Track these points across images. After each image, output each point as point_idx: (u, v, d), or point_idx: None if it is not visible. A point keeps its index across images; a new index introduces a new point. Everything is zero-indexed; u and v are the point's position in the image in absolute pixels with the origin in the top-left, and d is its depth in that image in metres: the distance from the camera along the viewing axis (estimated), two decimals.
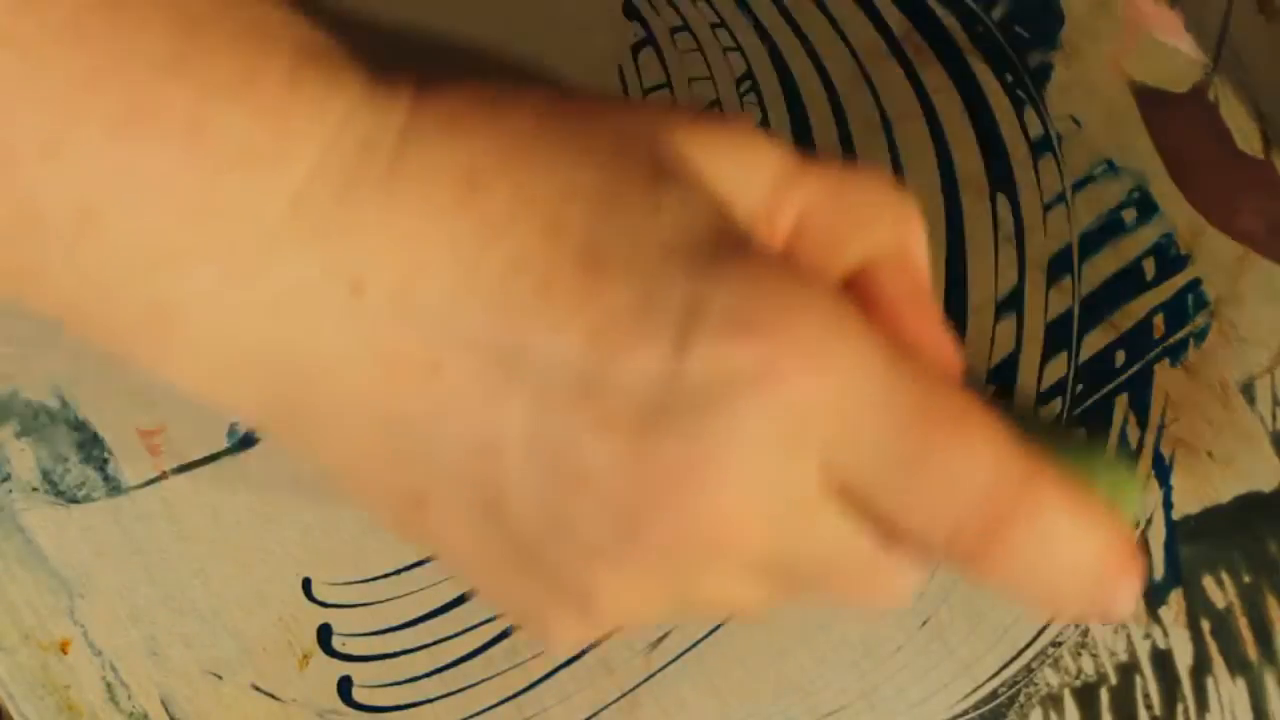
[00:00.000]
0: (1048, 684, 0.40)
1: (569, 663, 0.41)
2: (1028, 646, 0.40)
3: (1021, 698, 0.40)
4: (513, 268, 0.23)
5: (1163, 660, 0.40)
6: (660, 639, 0.41)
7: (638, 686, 0.41)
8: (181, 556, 0.41)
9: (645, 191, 0.23)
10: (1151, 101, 0.42)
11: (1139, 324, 0.41)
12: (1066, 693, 0.40)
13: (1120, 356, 0.41)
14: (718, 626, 0.41)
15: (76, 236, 0.23)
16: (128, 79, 0.22)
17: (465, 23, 0.42)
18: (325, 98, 0.23)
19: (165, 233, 0.23)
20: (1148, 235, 0.42)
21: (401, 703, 0.41)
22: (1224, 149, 0.41)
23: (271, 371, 0.24)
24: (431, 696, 0.41)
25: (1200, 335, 0.41)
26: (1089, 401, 0.41)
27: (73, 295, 0.24)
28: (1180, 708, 0.40)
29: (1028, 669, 0.40)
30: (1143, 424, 0.41)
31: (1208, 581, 0.40)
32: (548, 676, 0.41)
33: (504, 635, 0.41)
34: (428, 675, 0.41)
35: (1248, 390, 0.41)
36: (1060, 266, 0.41)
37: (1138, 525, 0.38)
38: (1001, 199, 0.42)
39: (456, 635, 0.41)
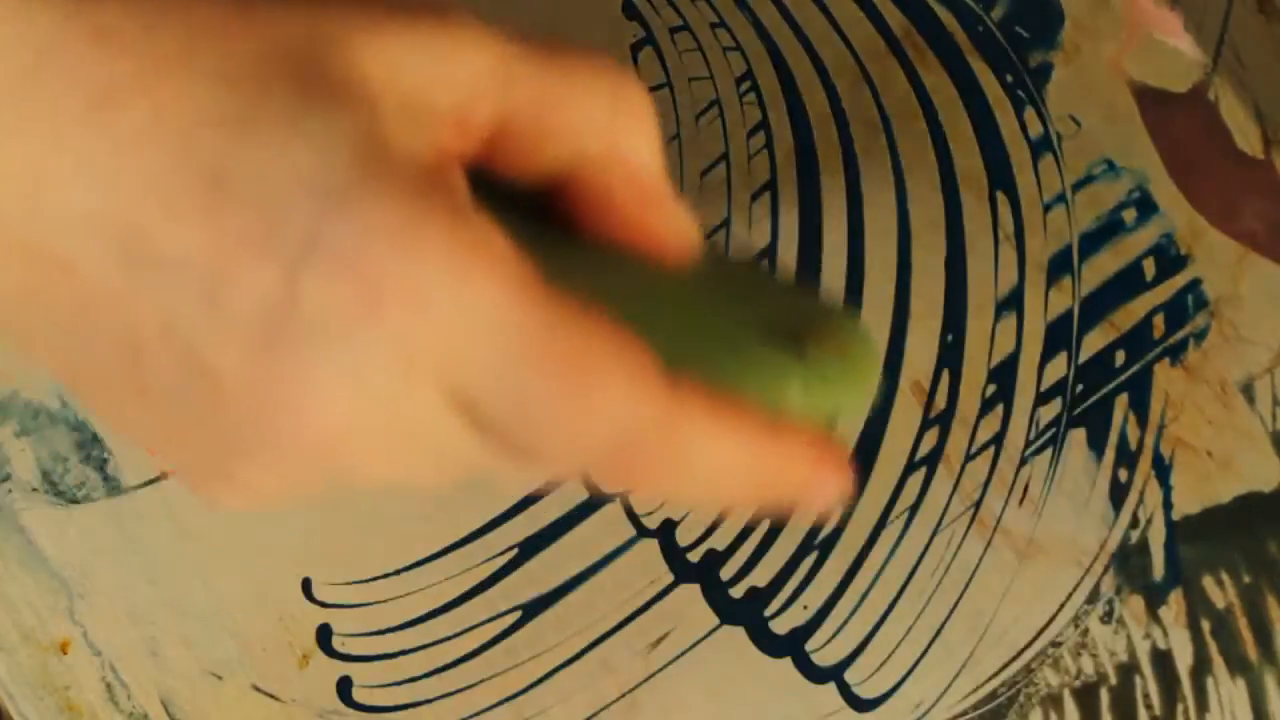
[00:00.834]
0: (1048, 684, 0.40)
1: (569, 663, 0.41)
2: (1028, 646, 0.40)
3: (1021, 698, 0.40)
4: (142, 187, 0.23)
5: (1163, 660, 0.40)
6: (660, 639, 0.41)
7: (638, 686, 0.41)
8: (181, 556, 0.41)
9: (283, 117, 0.23)
10: (1151, 101, 0.42)
11: (1139, 324, 0.41)
12: (1066, 693, 0.40)
13: (1120, 356, 0.41)
14: (718, 626, 0.41)
15: None
16: None
17: None
18: None
19: None
20: (1148, 235, 0.41)
21: (401, 703, 0.41)
22: (1224, 149, 0.41)
23: None
24: (431, 696, 0.41)
25: (1200, 335, 0.41)
26: (1089, 401, 0.41)
27: None
28: (1180, 708, 0.40)
29: (1028, 669, 0.40)
30: (1143, 424, 0.41)
31: (1208, 581, 0.40)
32: (547, 676, 0.41)
33: (504, 635, 0.41)
34: (428, 675, 0.41)
35: (1248, 390, 0.41)
36: (1060, 266, 0.41)
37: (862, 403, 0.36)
38: (1001, 199, 0.42)
39: (456, 635, 0.41)
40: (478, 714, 0.41)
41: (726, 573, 0.41)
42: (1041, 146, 0.42)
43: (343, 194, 0.23)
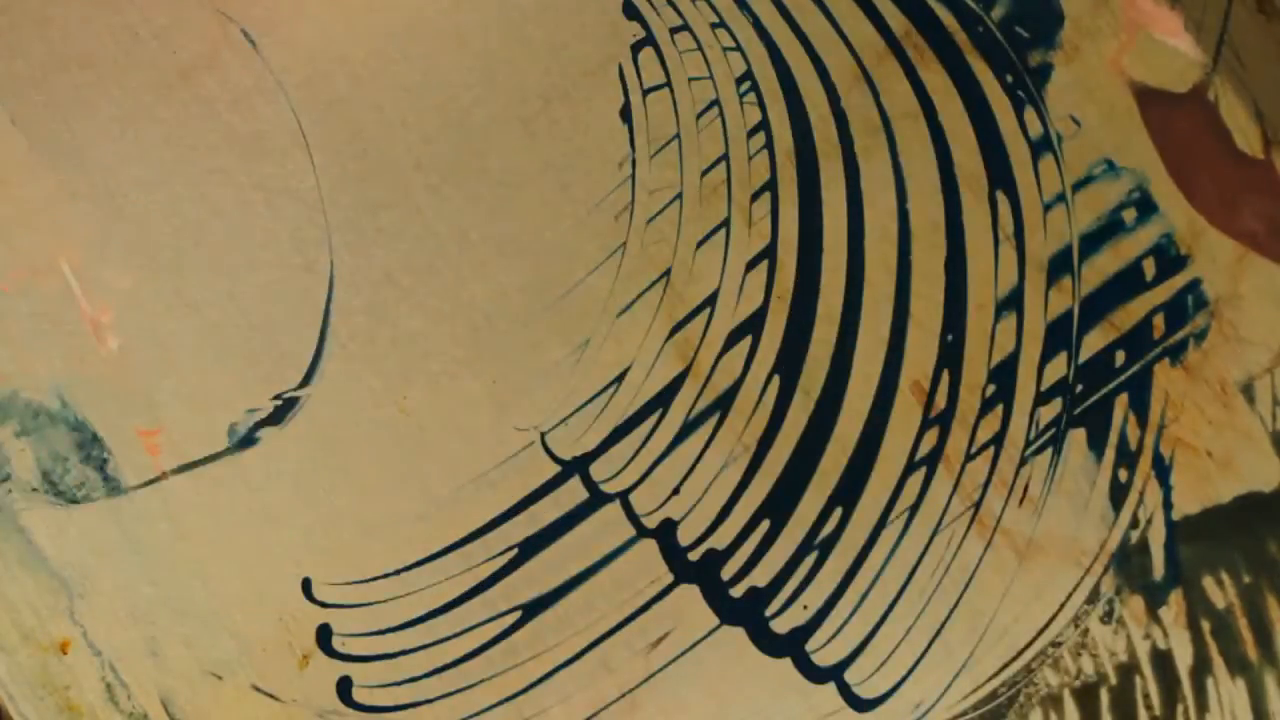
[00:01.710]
0: (1048, 684, 0.40)
1: (569, 663, 0.41)
2: (1028, 646, 0.40)
3: (1021, 698, 0.40)
4: None
5: (1163, 660, 0.40)
6: (660, 639, 0.41)
7: (638, 686, 0.41)
8: (181, 556, 0.41)
9: None
10: (1151, 101, 0.42)
11: (1139, 324, 0.41)
12: (1066, 693, 0.40)
13: (1120, 356, 0.41)
14: (718, 626, 0.41)
15: None
16: None
17: (466, 22, 0.42)
18: None
19: None
20: (1148, 235, 0.42)
21: (401, 703, 0.41)
22: (1224, 149, 0.41)
23: None
24: (431, 696, 0.41)
25: (1200, 335, 0.41)
26: (1089, 401, 0.41)
27: None
28: (1180, 708, 0.40)
29: (1028, 669, 0.40)
30: (1143, 424, 0.41)
31: (1208, 581, 0.40)
32: (547, 677, 0.41)
33: (504, 635, 0.41)
34: (428, 675, 0.41)
35: (1248, 390, 0.41)
36: (1060, 266, 0.41)
37: None
38: (1001, 198, 0.42)
39: (456, 635, 0.41)
40: (478, 714, 0.41)
41: (726, 573, 0.41)
42: (1041, 146, 0.42)
43: None
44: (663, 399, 0.41)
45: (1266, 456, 0.41)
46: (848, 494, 0.41)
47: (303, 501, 0.41)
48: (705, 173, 0.42)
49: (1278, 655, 0.40)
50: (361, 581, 0.41)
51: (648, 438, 0.41)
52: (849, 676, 0.41)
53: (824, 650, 0.41)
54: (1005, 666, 0.40)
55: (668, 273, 0.41)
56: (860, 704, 0.41)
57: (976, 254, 0.41)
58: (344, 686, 0.41)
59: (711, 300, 0.41)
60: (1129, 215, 0.42)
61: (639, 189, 0.41)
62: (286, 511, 0.41)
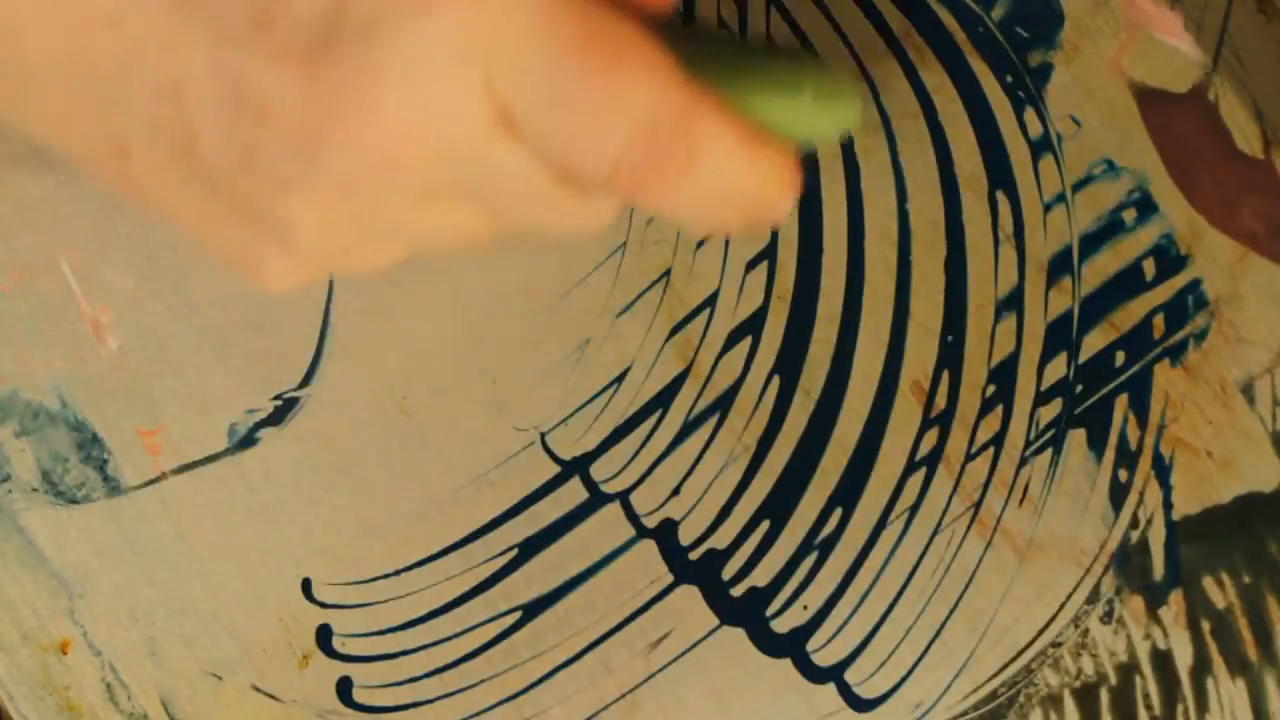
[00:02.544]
0: (1048, 684, 0.40)
1: (569, 663, 0.41)
2: (1028, 647, 0.40)
3: (1021, 698, 0.40)
4: None
5: (1163, 660, 0.40)
6: (660, 639, 0.41)
7: (638, 687, 0.41)
8: (181, 556, 0.41)
9: None
10: (1151, 101, 0.42)
11: (1139, 324, 0.41)
12: (1066, 693, 0.40)
13: (1120, 356, 0.41)
14: (718, 627, 0.41)
15: None
16: None
17: None
18: None
19: None
20: (1148, 235, 0.41)
21: (401, 703, 0.41)
22: (1224, 149, 0.41)
23: None
24: (431, 696, 0.41)
25: (1200, 335, 0.41)
26: (1089, 401, 0.41)
27: None
28: (1180, 708, 0.40)
29: (1028, 669, 0.40)
30: (1143, 424, 0.41)
31: (1208, 581, 0.40)
32: (547, 677, 0.41)
33: (504, 635, 0.41)
34: (428, 675, 0.41)
35: (1248, 390, 0.41)
36: (1060, 266, 0.41)
37: (845, 131, 0.36)
38: (1001, 198, 0.42)
39: (456, 635, 0.41)
40: (478, 714, 0.41)
41: (727, 573, 0.41)
42: (1041, 146, 0.42)
43: None
44: (663, 399, 0.41)
45: (1266, 456, 0.41)
46: (848, 494, 0.41)
47: (303, 501, 0.41)
48: None
49: (1278, 655, 0.40)
50: (361, 582, 0.41)
51: (648, 438, 0.41)
52: (849, 677, 0.41)
53: (824, 650, 0.41)
54: (1005, 666, 0.40)
55: (668, 273, 0.41)
56: (860, 704, 0.41)
57: (976, 254, 0.41)
58: (344, 687, 0.41)
59: (711, 300, 0.41)
60: (1129, 215, 0.41)
61: None
62: (286, 511, 0.41)
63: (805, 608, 0.41)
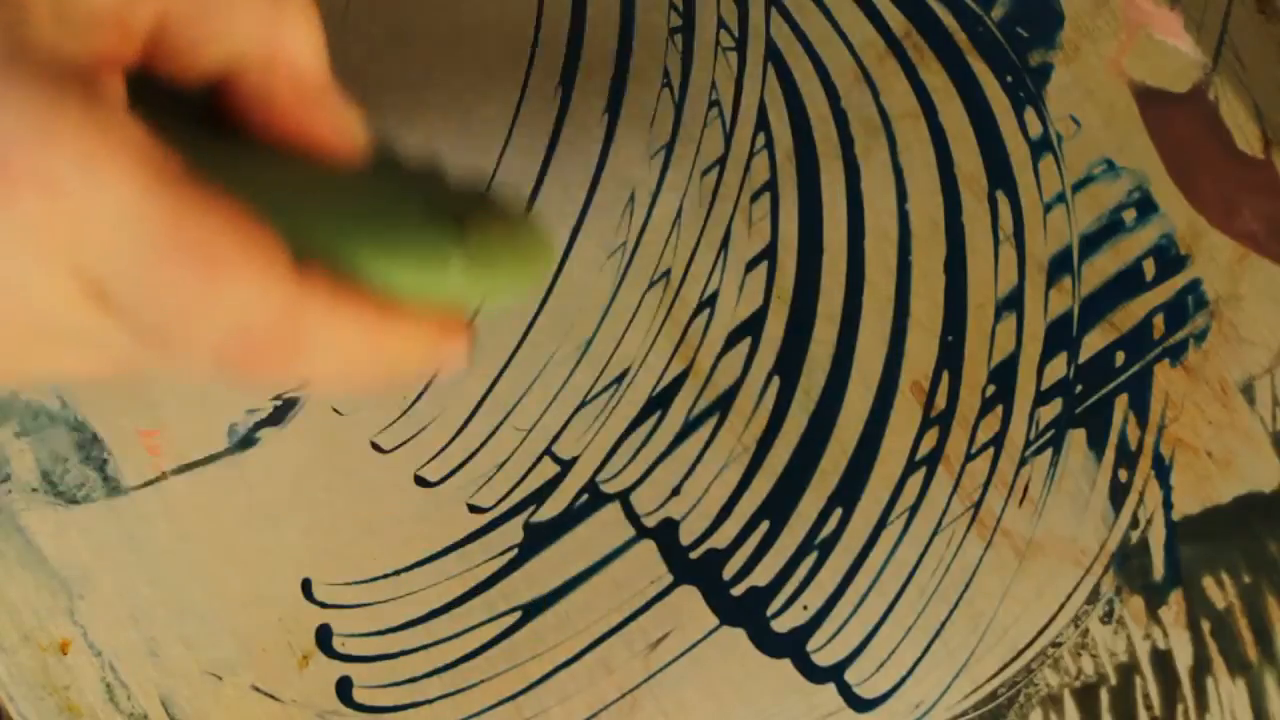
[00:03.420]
0: (1048, 684, 0.40)
1: (569, 663, 0.41)
2: (1028, 647, 0.40)
3: (1021, 698, 0.40)
4: None
5: (1163, 660, 0.40)
6: (660, 639, 0.41)
7: (638, 687, 0.41)
8: (181, 556, 0.41)
9: None
10: (1151, 101, 0.42)
11: (1139, 324, 0.41)
12: (1066, 693, 0.40)
13: (1120, 356, 0.41)
14: (718, 627, 0.41)
15: None
16: None
17: (467, 22, 0.42)
18: None
19: None
20: (1148, 235, 0.41)
21: (401, 703, 0.41)
22: (1224, 149, 0.41)
23: None
24: (431, 696, 0.41)
25: (1200, 335, 0.41)
26: (1089, 401, 0.41)
27: None
28: (1180, 708, 0.40)
29: (1028, 669, 0.40)
30: (1143, 424, 0.41)
31: (1208, 581, 0.40)
32: (547, 677, 0.41)
33: (504, 635, 0.41)
34: (428, 675, 0.41)
35: (1248, 390, 0.41)
36: (1060, 266, 0.41)
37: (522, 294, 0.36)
38: (1001, 199, 0.42)
39: (456, 635, 0.41)
40: (478, 714, 0.41)
41: (727, 573, 0.41)
42: (1041, 146, 0.42)
43: None
44: (663, 399, 0.41)
45: (1266, 456, 0.41)
46: (848, 494, 0.41)
47: (303, 501, 0.41)
48: (705, 173, 0.42)
49: (1278, 655, 0.40)
50: (361, 582, 0.41)
51: (648, 438, 0.41)
52: (849, 676, 0.41)
53: (824, 650, 0.41)
54: (1005, 667, 0.40)
55: (668, 273, 0.41)
56: (860, 704, 0.41)
57: (976, 254, 0.41)
58: (344, 687, 0.41)
59: (711, 300, 0.41)
60: (1129, 215, 0.41)
61: (639, 189, 0.41)
62: (286, 511, 0.41)
63: (805, 608, 0.41)
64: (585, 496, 0.41)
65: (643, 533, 0.41)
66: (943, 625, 0.41)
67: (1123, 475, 0.41)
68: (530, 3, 0.42)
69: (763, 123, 0.42)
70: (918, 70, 0.42)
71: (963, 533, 0.41)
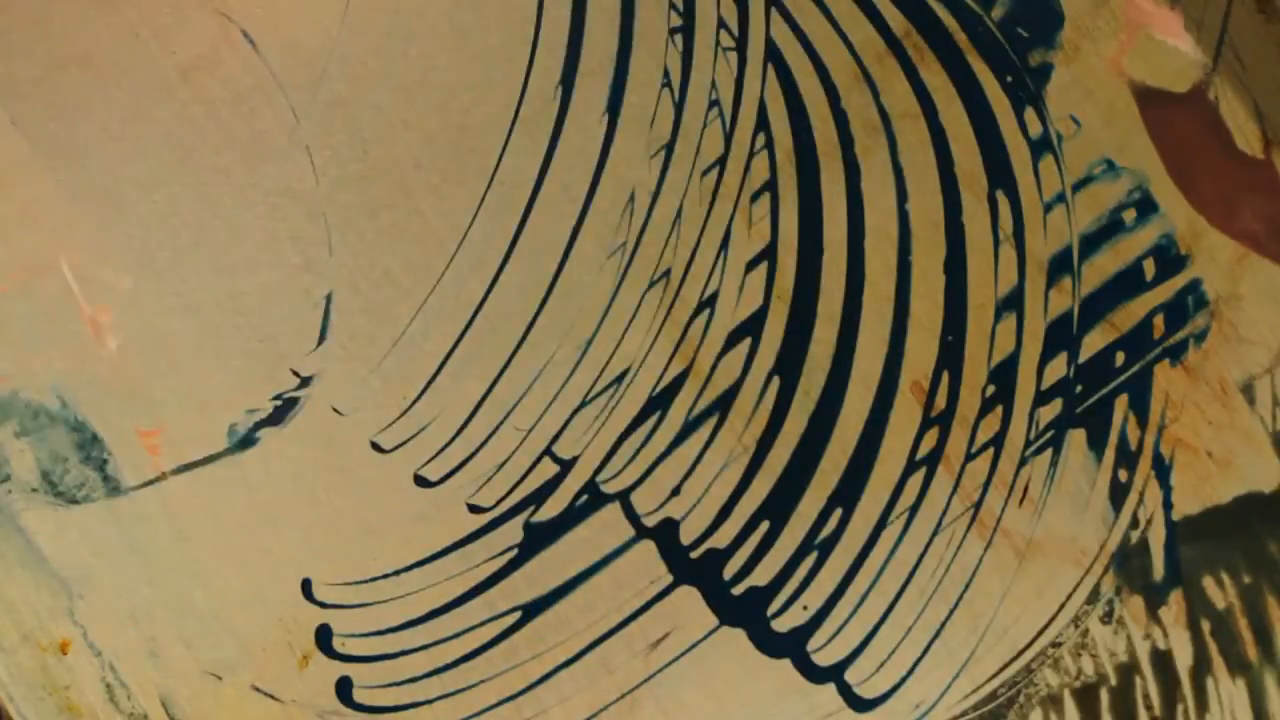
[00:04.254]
0: (1048, 684, 0.40)
1: (569, 663, 0.41)
2: (1028, 647, 0.40)
3: (1021, 698, 0.40)
4: None
5: (1163, 660, 0.40)
6: (660, 639, 0.41)
7: (638, 686, 0.41)
8: (181, 556, 0.41)
9: None
10: (1151, 101, 0.42)
11: (1139, 324, 0.41)
12: (1066, 693, 0.40)
13: (1120, 356, 0.41)
14: (718, 627, 0.41)
15: None
16: None
17: (466, 22, 0.42)
18: None
19: None
20: (1148, 235, 0.42)
21: (401, 703, 0.41)
22: (1224, 149, 0.41)
23: None
24: (431, 696, 0.41)
25: (1200, 335, 0.41)
26: (1089, 401, 0.41)
27: None
28: (1180, 708, 0.40)
29: (1028, 669, 0.40)
30: (1143, 424, 0.41)
31: (1208, 581, 0.40)
32: (547, 677, 0.41)
33: (504, 636, 0.41)
34: (428, 675, 0.41)
35: (1248, 390, 0.41)
36: (1060, 266, 0.41)
37: None
38: (1001, 198, 0.42)
39: (456, 635, 0.41)
40: (478, 714, 0.41)
41: (727, 572, 0.41)
42: (1041, 146, 0.42)
43: None
44: (663, 399, 0.41)
45: (1266, 457, 0.41)
46: (848, 494, 0.41)
47: (303, 501, 0.41)
48: (705, 173, 0.42)
49: (1278, 655, 0.40)
50: (361, 582, 0.41)
51: (648, 438, 0.41)
52: (849, 677, 0.41)
53: (824, 650, 0.41)
54: (1005, 666, 0.40)
55: (668, 273, 0.41)
56: (860, 704, 0.41)
57: (976, 254, 0.41)
58: (344, 687, 0.41)
59: (711, 300, 0.41)
60: (1129, 215, 0.42)
61: (639, 189, 0.41)
62: (286, 511, 0.41)
63: (805, 608, 0.41)
64: (585, 496, 0.41)
65: (643, 533, 0.41)
66: (943, 625, 0.41)
67: (1123, 475, 0.41)
68: (530, 3, 0.42)
69: (763, 123, 0.42)
70: (918, 70, 0.42)
71: (963, 533, 0.41)
